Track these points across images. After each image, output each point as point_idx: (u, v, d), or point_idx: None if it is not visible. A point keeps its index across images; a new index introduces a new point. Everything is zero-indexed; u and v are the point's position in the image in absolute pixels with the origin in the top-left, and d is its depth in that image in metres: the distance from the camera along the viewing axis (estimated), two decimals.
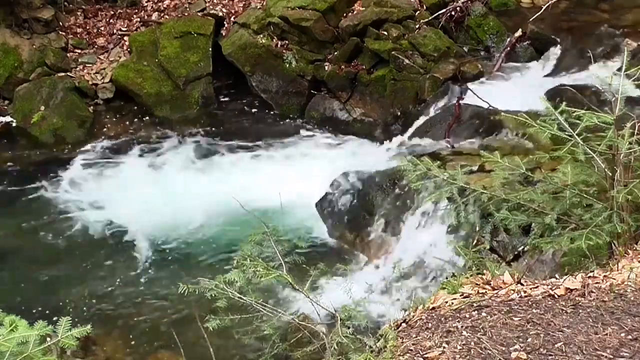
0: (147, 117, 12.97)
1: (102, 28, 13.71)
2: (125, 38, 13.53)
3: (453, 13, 12.65)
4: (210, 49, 13.16)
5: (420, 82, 12.00)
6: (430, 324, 4.26)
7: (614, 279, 4.59)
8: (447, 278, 5.24)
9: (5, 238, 10.60)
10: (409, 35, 12.46)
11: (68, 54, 13.27)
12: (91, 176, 11.74)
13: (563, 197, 5.66)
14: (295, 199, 10.14)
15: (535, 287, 4.54)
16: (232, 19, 13.54)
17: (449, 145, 10.59)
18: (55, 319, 4.16)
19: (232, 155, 12.07)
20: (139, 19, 13.80)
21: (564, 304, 4.32)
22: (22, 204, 11.25)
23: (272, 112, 12.96)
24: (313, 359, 5.21)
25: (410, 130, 11.50)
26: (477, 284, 4.71)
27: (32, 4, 12.96)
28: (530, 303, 4.34)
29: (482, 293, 4.56)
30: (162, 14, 13.80)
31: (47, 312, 8.88)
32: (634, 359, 3.83)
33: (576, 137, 5.39)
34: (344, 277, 5.81)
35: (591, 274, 4.71)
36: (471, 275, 4.87)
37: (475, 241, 7.70)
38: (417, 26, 12.57)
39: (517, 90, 11.17)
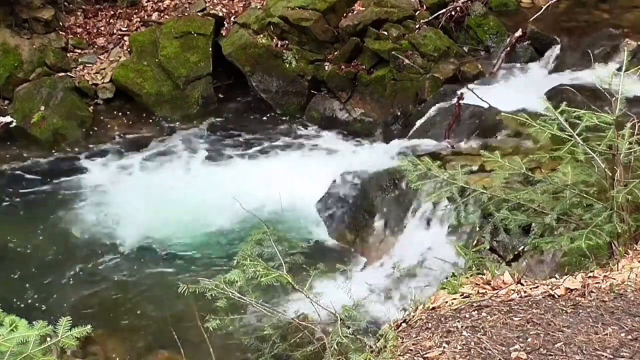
0: (147, 117, 12.96)
1: (102, 28, 13.71)
2: (125, 38, 13.53)
3: (453, 13, 12.64)
4: (210, 49, 13.15)
5: (420, 82, 12.00)
6: (430, 324, 4.26)
7: (614, 279, 4.59)
8: (447, 278, 5.24)
9: (5, 238, 10.59)
10: (409, 35, 12.45)
11: (68, 54, 13.27)
12: (91, 176, 11.74)
13: (563, 197, 5.66)
14: (295, 199, 10.15)
15: (535, 287, 4.54)
16: (232, 19, 13.54)
17: (449, 145, 10.59)
18: (55, 319, 4.15)
19: (232, 155, 12.07)
20: (139, 19, 13.80)
21: (564, 304, 4.32)
22: (22, 204, 11.25)
23: (272, 112, 12.95)
24: (313, 359, 5.21)
25: (410, 130, 11.50)
26: (477, 284, 4.71)
27: (32, 4, 12.96)
28: (530, 303, 4.34)
29: (482, 293, 4.56)
30: (162, 14, 13.80)
31: (47, 312, 8.88)
32: (634, 359, 3.83)
33: (576, 137, 5.39)
34: (344, 277, 5.80)
35: (591, 274, 4.71)
36: (471, 275, 4.87)
37: (475, 241, 7.70)
38: (417, 26, 12.57)
39: (517, 90, 11.16)
